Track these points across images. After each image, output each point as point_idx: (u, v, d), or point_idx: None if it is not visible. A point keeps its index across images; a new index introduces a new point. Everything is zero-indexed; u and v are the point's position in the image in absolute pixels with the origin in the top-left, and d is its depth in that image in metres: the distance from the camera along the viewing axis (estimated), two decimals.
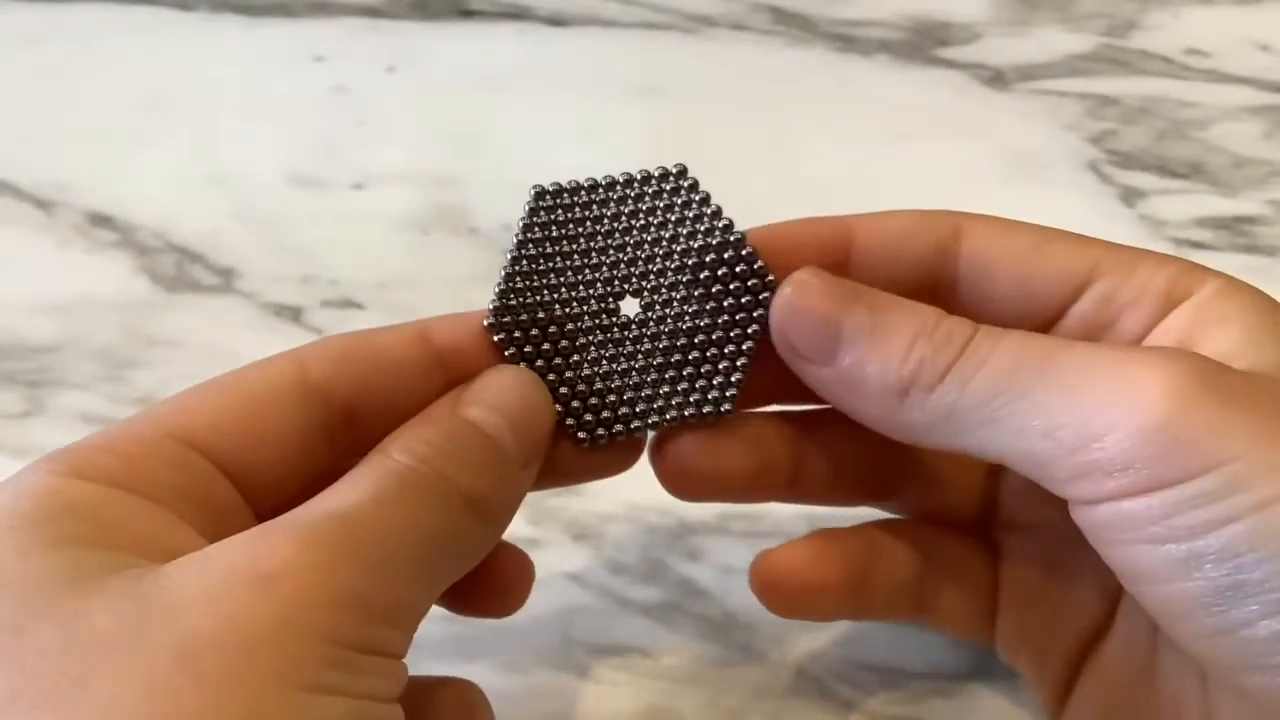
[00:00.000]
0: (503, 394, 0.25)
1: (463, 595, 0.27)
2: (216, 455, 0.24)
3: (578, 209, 0.27)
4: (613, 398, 0.27)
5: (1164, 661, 0.27)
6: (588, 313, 0.27)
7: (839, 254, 0.27)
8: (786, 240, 0.27)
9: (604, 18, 0.46)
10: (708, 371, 0.27)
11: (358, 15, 0.46)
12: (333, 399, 0.25)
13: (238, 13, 0.46)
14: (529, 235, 0.26)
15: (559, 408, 0.27)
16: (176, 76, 0.44)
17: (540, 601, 0.32)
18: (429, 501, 0.23)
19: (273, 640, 0.20)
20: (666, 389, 0.27)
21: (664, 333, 0.27)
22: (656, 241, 0.27)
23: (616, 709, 0.31)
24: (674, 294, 0.27)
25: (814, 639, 0.32)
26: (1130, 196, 0.41)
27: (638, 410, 0.27)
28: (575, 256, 0.27)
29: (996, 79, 0.44)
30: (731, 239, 0.27)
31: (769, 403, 0.28)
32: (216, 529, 0.23)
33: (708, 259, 0.27)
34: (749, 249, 0.27)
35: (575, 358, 0.27)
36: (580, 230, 0.27)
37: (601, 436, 0.27)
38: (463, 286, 0.38)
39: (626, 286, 0.27)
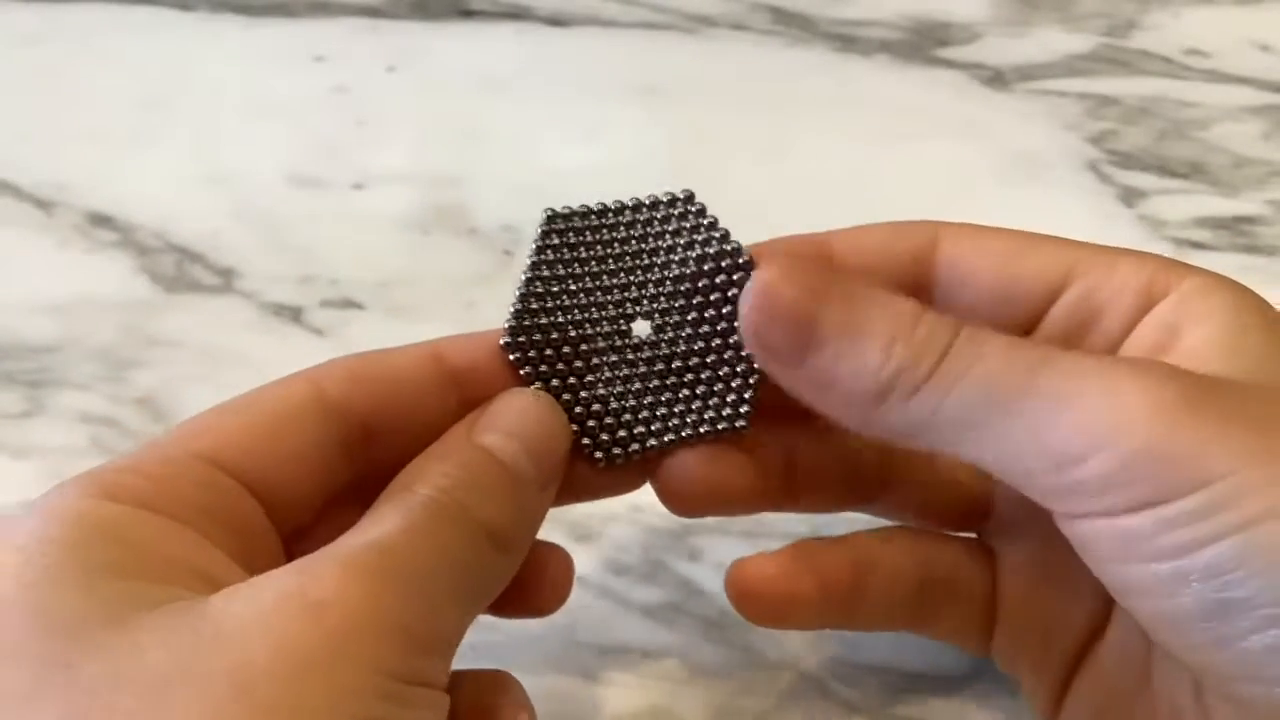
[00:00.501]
0: (519, 419, 0.25)
1: (506, 597, 0.26)
2: (242, 474, 0.24)
3: (588, 232, 0.27)
4: (628, 417, 0.27)
5: (1159, 667, 0.26)
6: (601, 334, 0.27)
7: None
8: (764, 258, 0.27)
9: (604, 18, 0.46)
10: (720, 390, 0.27)
11: (358, 15, 0.46)
12: (350, 417, 0.25)
13: (238, 13, 0.46)
14: (542, 257, 0.27)
15: (575, 428, 0.27)
16: (176, 76, 0.44)
17: None
18: (455, 532, 0.23)
19: (326, 669, 0.20)
20: (681, 408, 0.27)
21: (676, 354, 0.27)
22: (666, 265, 0.27)
23: (617, 709, 0.31)
24: (685, 316, 0.27)
25: (814, 639, 0.32)
26: (1130, 196, 0.41)
27: (653, 429, 0.27)
28: (587, 279, 0.27)
29: (996, 79, 0.44)
30: (740, 261, 0.27)
31: (782, 415, 0.28)
32: (244, 549, 0.23)
33: (717, 280, 0.27)
34: (747, 257, 0.27)
35: (590, 378, 0.27)
36: (591, 253, 0.27)
37: (618, 456, 0.27)
38: (463, 286, 0.38)
39: (638, 309, 0.27)
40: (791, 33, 0.45)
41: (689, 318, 0.27)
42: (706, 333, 0.27)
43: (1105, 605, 0.28)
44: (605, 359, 0.27)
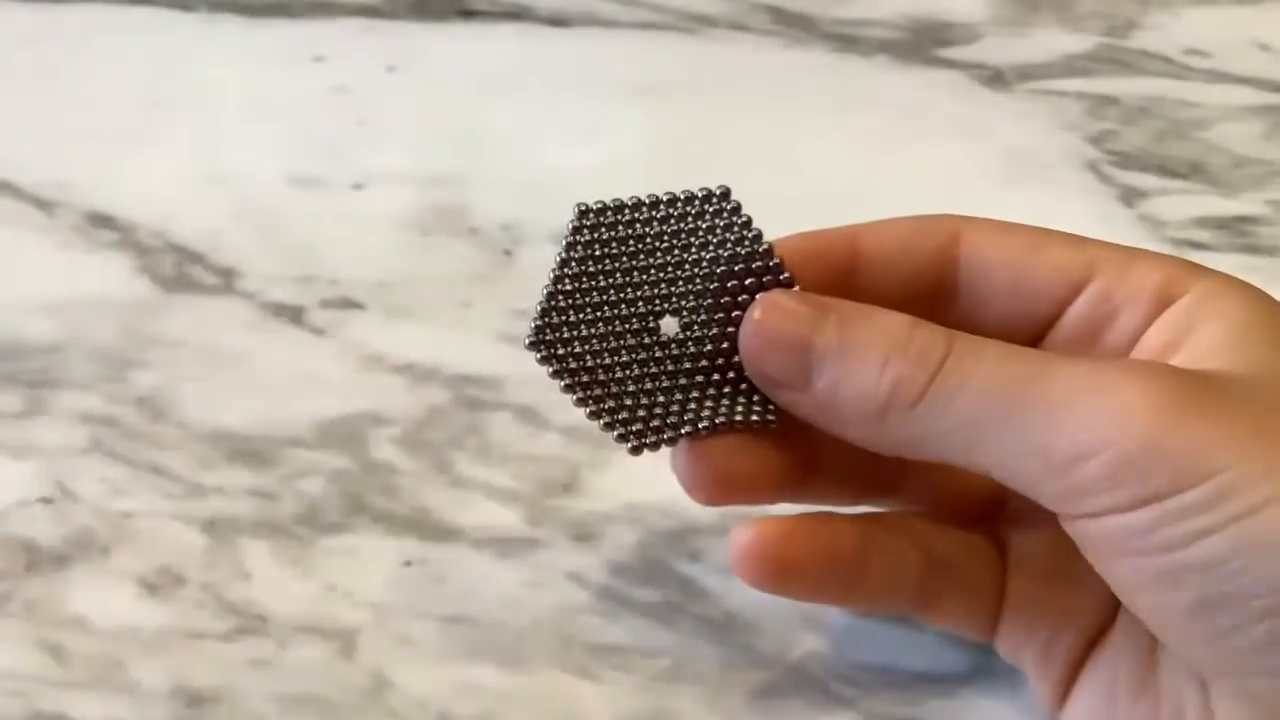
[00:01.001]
0: None
1: None
2: None
3: (620, 227, 0.27)
4: (659, 410, 0.27)
5: (1164, 662, 0.27)
6: (630, 330, 0.27)
7: (845, 264, 0.27)
8: (793, 253, 0.27)
9: (604, 18, 0.46)
10: (747, 389, 0.27)
11: (358, 15, 0.46)
12: None
13: (238, 13, 0.46)
14: (572, 254, 0.26)
15: (605, 419, 0.27)
16: (176, 76, 0.44)
17: (540, 601, 0.32)
18: None
19: None
20: (710, 405, 0.27)
21: (704, 353, 0.27)
22: (697, 262, 0.27)
23: (616, 709, 0.31)
24: (713, 315, 0.27)
25: (814, 639, 0.32)
26: (1130, 196, 0.41)
27: (685, 418, 0.27)
28: (618, 275, 0.27)
29: (996, 79, 0.44)
30: (771, 264, 0.27)
31: None
32: None
33: (747, 282, 0.27)
34: (776, 260, 0.27)
35: (619, 374, 0.27)
36: (623, 249, 0.27)
37: (652, 443, 0.27)
38: (462, 286, 0.38)
39: (666, 306, 0.27)
40: (791, 33, 0.45)
41: (717, 317, 0.27)
42: (734, 333, 0.27)
43: (1112, 601, 0.28)
44: (635, 356, 0.27)
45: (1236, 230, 0.40)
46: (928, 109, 0.43)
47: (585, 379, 0.27)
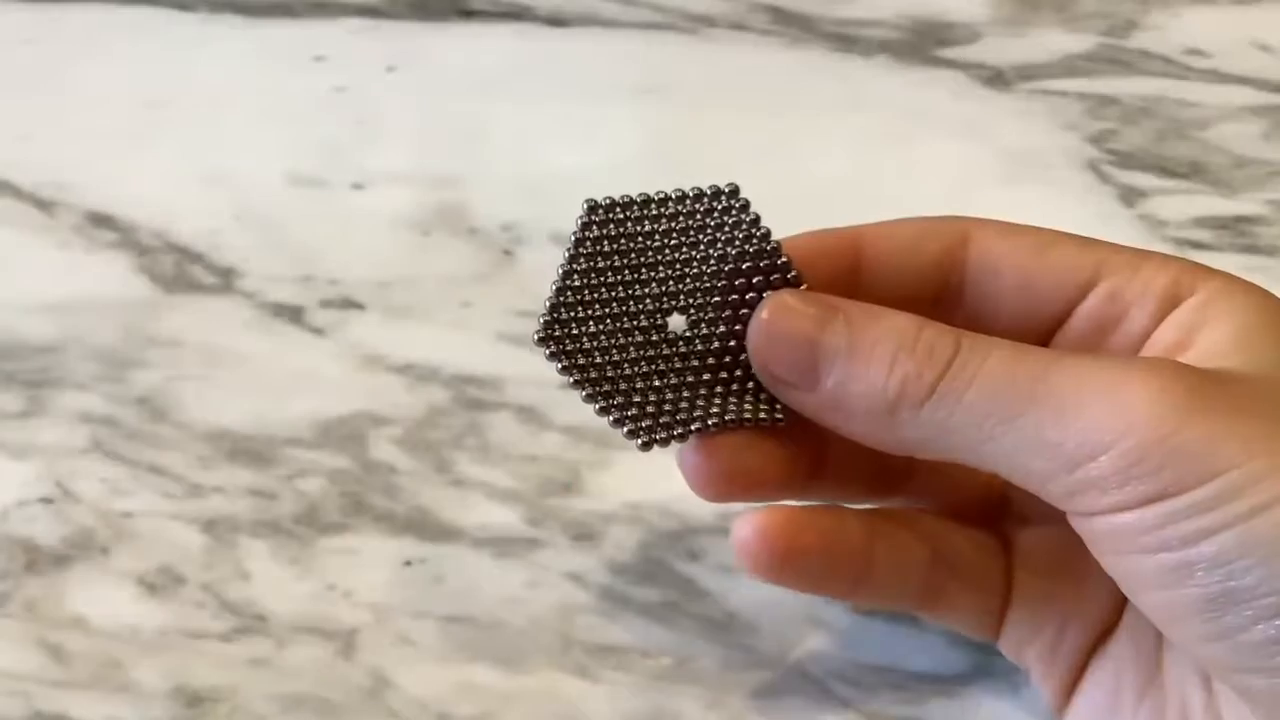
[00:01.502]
0: None
1: None
2: None
3: (629, 223, 0.27)
4: (668, 406, 0.27)
5: (1170, 658, 0.27)
6: (638, 327, 0.27)
7: (849, 264, 0.27)
8: (798, 252, 0.27)
9: (604, 18, 0.46)
10: (753, 387, 0.27)
11: (358, 15, 0.46)
12: None
13: (238, 13, 0.46)
14: (581, 249, 0.26)
15: (613, 415, 0.27)
16: (176, 76, 0.44)
17: (540, 601, 0.32)
18: None
19: None
20: (719, 402, 0.27)
21: (712, 351, 0.27)
22: (705, 260, 0.27)
23: (616, 709, 0.31)
24: (721, 313, 0.27)
25: (814, 639, 0.32)
26: (1130, 196, 0.41)
27: (695, 415, 0.27)
28: (626, 271, 0.27)
29: (996, 79, 0.44)
30: (779, 262, 0.27)
31: None
32: None
33: (754, 280, 0.27)
34: (784, 259, 0.27)
35: (628, 370, 0.27)
36: (631, 245, 0.27)
37: (661, 440, 0.27)
38: (462, 286, 0.38)
39: (674, 303, 0.27)
40: (791, 33, 0.45)
41: (725, 314, 0.27)
42: (743, 331, 0.27)
43: (1118, 599, 0.28)
44: (643, 353, 0.27)
45: (1237, 230, 0.40)
46: (928, 109, 0.43)
47: (594, 375, 0.27)
